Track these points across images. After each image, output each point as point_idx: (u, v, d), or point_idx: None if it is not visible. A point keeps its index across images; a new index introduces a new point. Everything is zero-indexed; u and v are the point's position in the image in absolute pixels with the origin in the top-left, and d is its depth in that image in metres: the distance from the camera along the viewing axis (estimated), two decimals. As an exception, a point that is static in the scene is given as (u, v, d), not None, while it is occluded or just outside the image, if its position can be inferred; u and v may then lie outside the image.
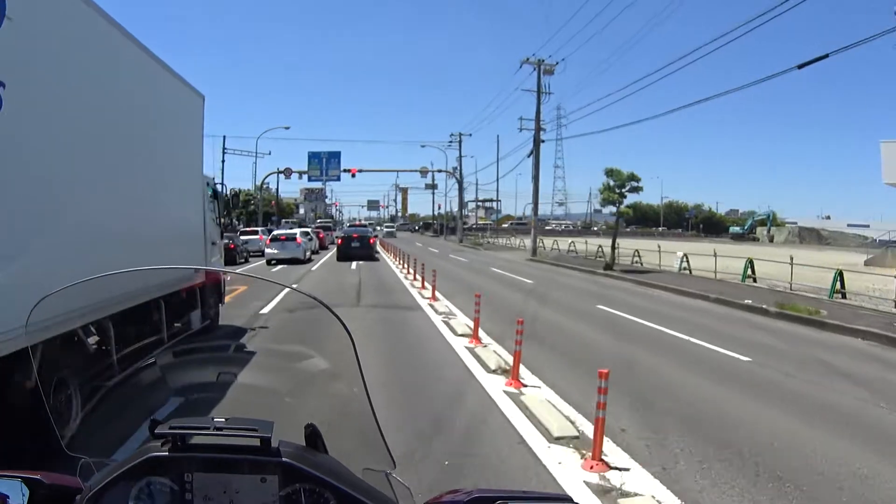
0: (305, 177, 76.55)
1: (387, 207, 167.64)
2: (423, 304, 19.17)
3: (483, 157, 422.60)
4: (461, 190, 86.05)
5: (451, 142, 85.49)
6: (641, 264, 35.84)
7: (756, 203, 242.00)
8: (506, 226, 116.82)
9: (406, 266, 31.02)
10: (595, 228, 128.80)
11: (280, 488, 1.98)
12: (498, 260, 43.07)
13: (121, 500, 1.99)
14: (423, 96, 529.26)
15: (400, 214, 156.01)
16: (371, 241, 38.62)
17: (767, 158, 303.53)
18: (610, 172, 32.82)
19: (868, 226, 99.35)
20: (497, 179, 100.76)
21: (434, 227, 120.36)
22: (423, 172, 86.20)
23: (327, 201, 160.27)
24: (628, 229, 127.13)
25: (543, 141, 45.76)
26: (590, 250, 43.78)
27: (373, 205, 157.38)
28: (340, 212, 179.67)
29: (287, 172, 75.13)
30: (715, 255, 29.74)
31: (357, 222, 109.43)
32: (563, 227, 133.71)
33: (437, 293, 20.44)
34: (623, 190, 32.68)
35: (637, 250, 37.50)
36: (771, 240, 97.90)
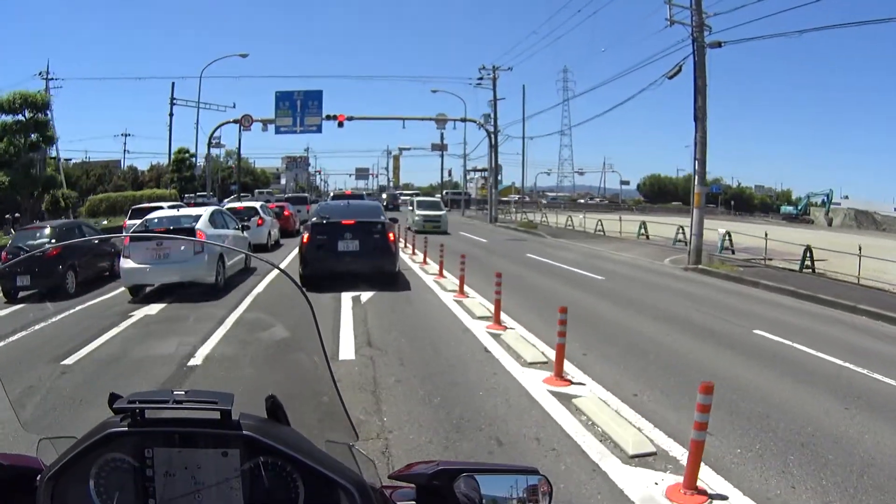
0: (271, 127, 57.29)
1: (376, 176, 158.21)
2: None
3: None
4: (496, 147, 63.46)
5: (480, 79, 64.14)
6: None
7: (773, 179, 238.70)
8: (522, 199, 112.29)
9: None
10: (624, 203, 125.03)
11: (242, 462, 2.05)
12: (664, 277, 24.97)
13: (81, 478, 2.07)
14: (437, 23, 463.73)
15: (391, 184, 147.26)
16: (388, 237, 19.27)
17: (781, 133, 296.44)
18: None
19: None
20: (523, 142, 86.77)
21: (444, 198, 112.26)
22: (441, 121, 64.70)
23: (310, 170, 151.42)
24: (655, 206, 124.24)
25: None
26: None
27: (361, 173, 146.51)
28: (325, 182, 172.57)
29: (246, 121, 58.49)
30: (860, 253, 23.48)
31: (347, 191, 76.22)
32: (586, 200, 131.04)
33: None
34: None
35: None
36: (830, 223, 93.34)
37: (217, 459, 2.06)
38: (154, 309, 13.63)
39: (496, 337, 12.79)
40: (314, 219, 19.63)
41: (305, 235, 19.12)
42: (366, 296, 16.86)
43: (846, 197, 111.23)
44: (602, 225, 47.18)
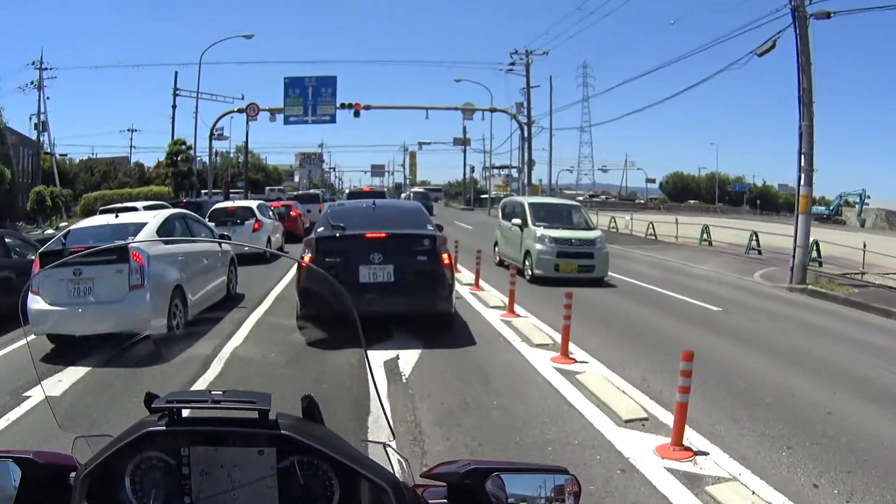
0: (280, 118, 51.45)
1: (392, 173, 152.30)
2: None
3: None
4: (529, 140, 56.99)
5: (512, 64, 57.54)
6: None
7: (789, 177, 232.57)
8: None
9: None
10: (641, 201, 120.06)
11: (278, 461, 2.07)
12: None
13: (117, 476, 2.09)
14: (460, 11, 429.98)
15: (408, 181, 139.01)
16: (441, 259, 11.81)
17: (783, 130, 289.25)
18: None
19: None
20: (550, 136, 78.58)
21: (466, 196, 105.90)
22: (468, 111, 57.23)
23: (324, 167, 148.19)
24: (681, 205, 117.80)
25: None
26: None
27: (377, 170, 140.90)
28: (340, 179, 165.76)
29: (251, 111, 52.16)
30: None
31: (365, 187, 62.24)
32: (602, 198, 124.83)
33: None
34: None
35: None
36: (862, 224, 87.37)
37: (253, 458, 2.06)
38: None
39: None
40: (321, 229, 12.14)
41: (306, 257, 11.40)
42: (407, 360, 10.12)
43: (869, 196, 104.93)
44: (654, 228, 41.61)
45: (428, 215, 13.63)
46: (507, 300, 15.02)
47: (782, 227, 42.74)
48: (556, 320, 12.08)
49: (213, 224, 23.43)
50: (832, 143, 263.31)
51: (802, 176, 22.65)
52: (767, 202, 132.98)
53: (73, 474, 2.16)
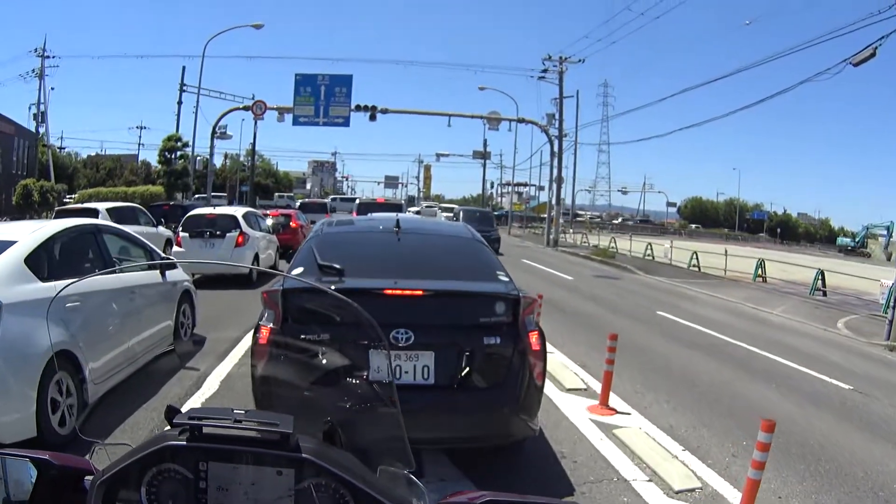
0: (289, 118, 47.29)
1: (406, 186, 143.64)
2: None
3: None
4: (560, 154, 52.02)
5: (545, 71, 52.16)
6: None
7: (806, 205, 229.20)
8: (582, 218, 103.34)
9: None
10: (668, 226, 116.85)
11: (296, 483, 2.06)
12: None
13: (134, 485, 2.10)
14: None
15: (422, 195, 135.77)
16: (529, 341, 6.40)
17: (817, 159, 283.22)
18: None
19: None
20: (575, 153, 72.12)
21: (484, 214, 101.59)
22: (493, 120, 51.63)
23: (337, 175, 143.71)
24: (699, 229, 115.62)
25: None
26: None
27: (391, 181, 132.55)
28: (353, 188, 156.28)
29: (258, 109, 47.65)
30: None
31: (380, 199, 58.89)
32: (619, 220, 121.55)
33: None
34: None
35: None
36: (889, 258, 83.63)
37: (272, 478, 2.07)
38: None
39: None
40: (297, 271, 6.89)
41: (263, 328, 6.24)
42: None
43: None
44: (697, 259, 37.03)
45: (493, 253, 8.10)
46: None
47: (815, 259, 40.79)
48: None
49: (187, 235, 19.12)
50: (856, 172, 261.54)
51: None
52: (787, 231, 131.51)
53: (88, 478, 2.17)
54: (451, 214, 47.43)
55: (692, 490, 6.82)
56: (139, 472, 2.09)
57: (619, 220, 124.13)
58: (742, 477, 6.90)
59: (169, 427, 2.15)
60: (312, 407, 4.67)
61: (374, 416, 2.79)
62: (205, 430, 2.08)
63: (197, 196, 53.50)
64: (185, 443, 2.07)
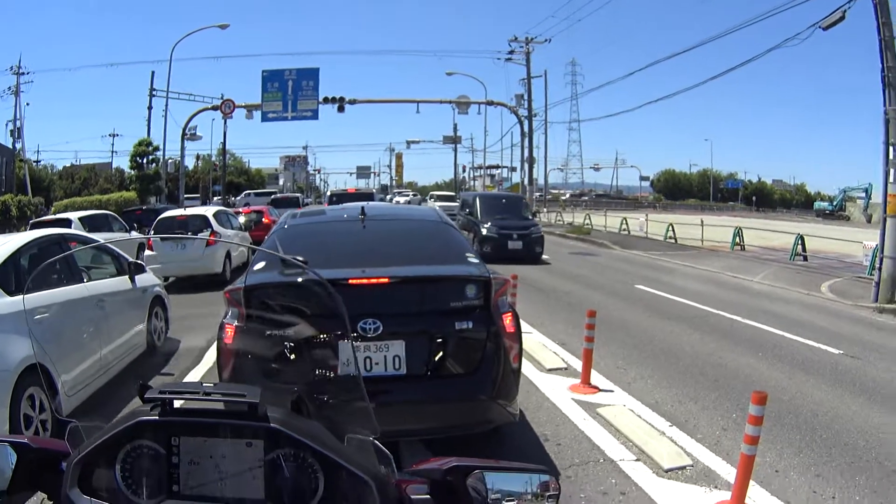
0: (258, 115, 47.45)
1: (378, 175, 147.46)
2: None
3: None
4: (530, 135, 52.38)
5: (511, 52, 52.58)
6: None
7: (782, 172, 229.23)
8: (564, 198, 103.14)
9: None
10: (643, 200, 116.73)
11: (265, 453, 2.08)
12: None
13: (108, 464, 2.12)
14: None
15: (395, 183, 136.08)
16: (502, 324, 6.28)
17: (790, 125, 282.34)
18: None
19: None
20: (546, 133, 71.37)
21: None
22: (462, 104, 51.89)
23: (309, 169, 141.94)
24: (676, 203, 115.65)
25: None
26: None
27: (363, 171, 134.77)
28: (325, 182, 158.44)
29: (226, 108, 48.38)
30: None
31: (351, 189, 52.69)
32: (592, 196, 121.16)
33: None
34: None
35: None
36: (869, 220, 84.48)
37: (241, 450, 2.08)
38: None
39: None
40: (258, 266, 6.56)
41: (229, 327, 6.03)
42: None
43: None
44: (674, 231, 36.94)
45: (462, 236, 8.06)
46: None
47: (793, 225, 40.74)
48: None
49: (158, 238, 18.86)
50: (829, 136, 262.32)
51: (891, 171, 18.50)
52: (763, 199, 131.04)
53: (65, 461, 2.15)
54: (457, 204, 39.32)
55: (683, 468, 6.64)
56: (113, 450, 2.12)
57: (594, 194, 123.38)
58: (734, 451, 6.75)
59: (142, 404, 2.17)
60: (280, 380, 4.93)
61: (337, 384, 2.80)
62: (176, 404, 2.11)
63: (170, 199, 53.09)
64: (156, 418, 2.10)
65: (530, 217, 29.29)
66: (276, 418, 2.09)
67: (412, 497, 2.17)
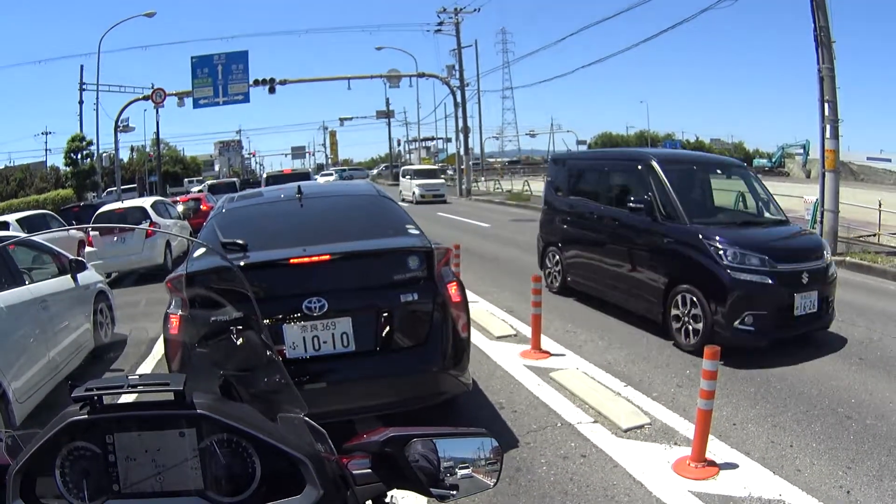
0: (189, 101, 46.11)
1: (313, 154, 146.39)
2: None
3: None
4: (463, 105, 51.64)
5: (441, 23, 51.61)
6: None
7: (719, 131, 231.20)
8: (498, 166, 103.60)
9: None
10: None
11: (198, 441, 2.05)
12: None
13: (48, 470, 2.06)
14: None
15: (329, 161, 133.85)
16: (447, 293, 6.42)
17: (726, 83, 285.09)
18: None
19: (890, 160, 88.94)
20: (479, 102, 70.69)
21: (385, 171, 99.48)
22: (393, 77, 51.40)
23: (244, 153, 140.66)
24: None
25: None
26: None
27: (297, 151, 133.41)
28: (261, 165, 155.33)
29: (157, 97, 46.68)
30: None
31: (287, 170, 52.86)
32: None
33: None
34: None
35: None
36: (808, 175, 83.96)
37: (175, 440, 2.04)
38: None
39: None
40: (198, 253, 6.39)
41: (174, 317, 5.98)
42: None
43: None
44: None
45: (401, 208, 7.92)
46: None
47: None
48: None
49: (98, 233, 18.44)
50: (765, 94, 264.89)
51: (827, 127, 18.75)
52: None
53: (6, 473, 2.07)
54: (441, 181, 46.16)
55: (641, 426, 6.78)
56: (50, 455, 2.06)
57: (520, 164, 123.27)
58: (690, 407, 6.90)
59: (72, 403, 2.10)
60: (228, 367, 4.71)
61: (262, 364, 2.76)
62: (105, 400, 2.06)
63: (107, 192, 52.15)
64: (85, 416, 2.04)
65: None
66: (204, 404, 2.06)
67: (354, 472, 2.16)
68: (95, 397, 2.03)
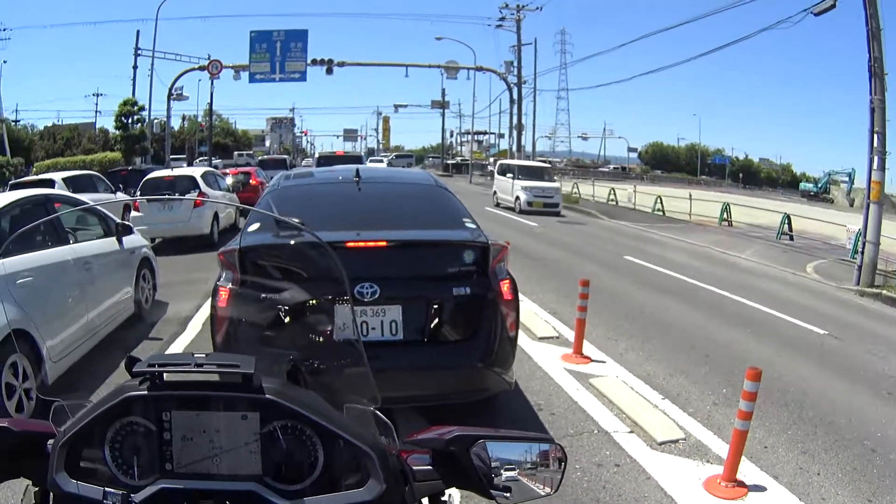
0: (245, 76, 46.73)
1: (365, 138, 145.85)
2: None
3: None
4: (519, 102, 51.26)
5: (502, 19, 50.91)
6: None
7: (768, 151, 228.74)
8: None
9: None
10: (604, 170, 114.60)
11: (261, 426, 1.99)
12: None
13: (96, 443, 2.02)
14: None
15: (381, 146, 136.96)
16: (500, 289, 6.26)
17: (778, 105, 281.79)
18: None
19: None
20: (534, 100, 70.20)
21: (444, 162, 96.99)
22: (451, 69, 51.33)
23: (296, 131, 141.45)
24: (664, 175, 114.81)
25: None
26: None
27: (350, 134, 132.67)
28: (312, 144, 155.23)
29: (213, 68, 47.35)
30: None
31: (339, 152, 53.88)
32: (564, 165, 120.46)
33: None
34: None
35: None
36: (851, 203, 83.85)
37: (236, 423, 1.97)
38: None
39: None
40: (252, 227, 6.46)
41: (223, 289, 5.92)
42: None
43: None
44: (662, 203, 36.85)
45: (458, 200, 7.62)
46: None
47: (779, 203, 41.01)
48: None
49: (145, 199, 18.62)
50: (816, 118, 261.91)
51: (875, 158, 18.69)
52: (749, 176, 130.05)
53: (50, 442, 2.01)
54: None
55: (676, 441, 6.68)
56: (101, 428, 2.00)
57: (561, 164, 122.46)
58: (725, 426, 6.81)
59: (129, 378, 2.05)
60: (274, 347, 4.38)
61: (335, 350, 2.73)
62: (165, 377, 2.00)
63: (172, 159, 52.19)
64: (145, 392, 1.99)
65: None
66: (272, 389, 2.00)
67: (414, 468, 2.12)
68: (156, 373, 1.98)
